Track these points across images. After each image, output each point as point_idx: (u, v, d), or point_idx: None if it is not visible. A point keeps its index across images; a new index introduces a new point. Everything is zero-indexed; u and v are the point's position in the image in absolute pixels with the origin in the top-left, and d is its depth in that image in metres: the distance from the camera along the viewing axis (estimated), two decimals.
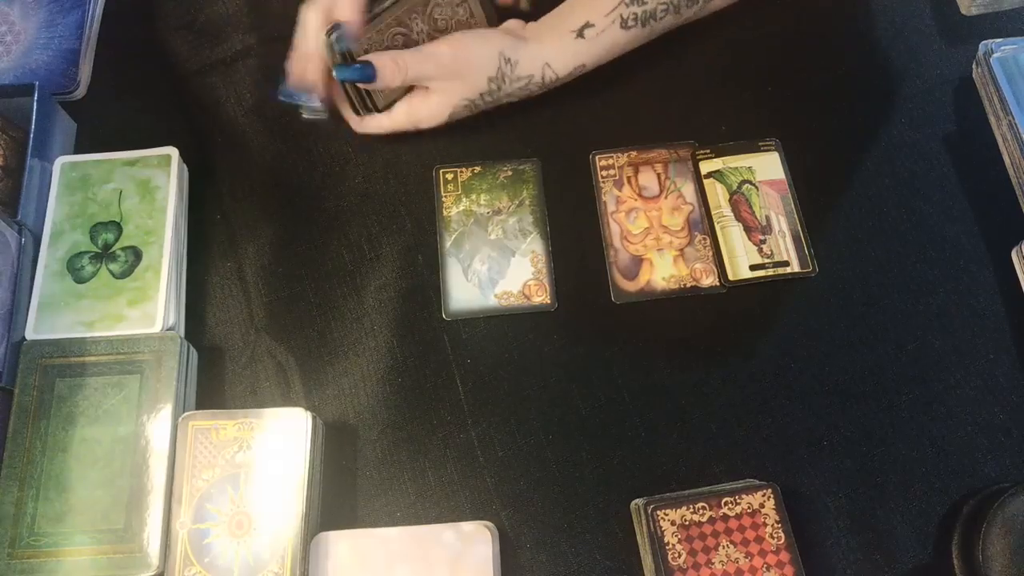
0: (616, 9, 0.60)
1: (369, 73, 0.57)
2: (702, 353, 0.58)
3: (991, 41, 0.64)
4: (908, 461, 0.55)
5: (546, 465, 0.56)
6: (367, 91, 0.60)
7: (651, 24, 0.61)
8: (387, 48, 0.59)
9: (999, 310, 0.59)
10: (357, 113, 0.62)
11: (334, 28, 0.56)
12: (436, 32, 0.61)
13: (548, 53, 0.61)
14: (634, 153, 0.64)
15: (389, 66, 0.57)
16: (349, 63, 0.57)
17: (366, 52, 0.58)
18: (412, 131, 0.63)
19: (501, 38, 0.60)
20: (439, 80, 0.59)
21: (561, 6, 0.62)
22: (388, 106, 0.62)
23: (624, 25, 0.60)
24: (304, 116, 0.61)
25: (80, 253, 0.59)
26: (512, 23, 0.63)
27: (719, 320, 0.59)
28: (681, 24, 0.64)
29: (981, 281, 0.60)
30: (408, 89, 0.62)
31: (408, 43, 0.61)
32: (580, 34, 0.60)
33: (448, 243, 0.62)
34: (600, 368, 0.58)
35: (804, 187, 0.63)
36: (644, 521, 0.51)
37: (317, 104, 0.60)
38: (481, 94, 0.61)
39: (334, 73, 0.58)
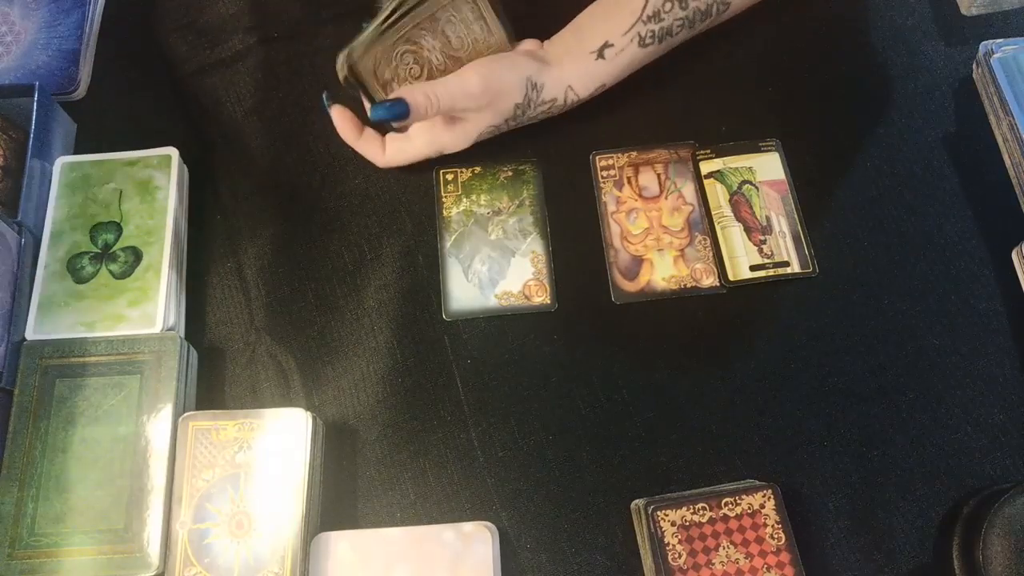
0: (634, 27, 0.59)
1: (403, 110, 0.55)
2: (702, 353, 0.58)
3: (991, 41, 0.64)
4: (908, 461, 0.55)
5: (546, 465, 0.56)
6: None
7: (667, 40, 0.61)
8: (397, 68, 0.58)
9: (999, 310, 0.59)
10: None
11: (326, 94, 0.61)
12: (450, 50, 0.59)
13: (570, 76, 0.60)
14: (634, 153, 0.64)
15: (421, 101, 0.55)
16: (381, 101, 0.56)
17: (374, 72, 0.57)
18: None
19: (528, 63, 0.59)
20: (469, 111, 0.59)
21: (576, 23, 0.62)
22: (404, 126, 0.60)
23: (642, 43, 0.60)
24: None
25: (80, 253, 0.59)
26: (529, 44, 0.62)
27: (719, 320, 0.59)
28: (694, 36, 0.64)
29: (981, 281, 0.60)
30: None
31: (419, 60, 0.58)
32: (600, 55, 0.60)
33: (448, 243, 0.62)
34: (600, 368, 0.58)
35: (804, 187, 0.63)
36: (644, 521, 0.51)
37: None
38: (506, 119, 0.60)
39: (369, 114, 0.57)
